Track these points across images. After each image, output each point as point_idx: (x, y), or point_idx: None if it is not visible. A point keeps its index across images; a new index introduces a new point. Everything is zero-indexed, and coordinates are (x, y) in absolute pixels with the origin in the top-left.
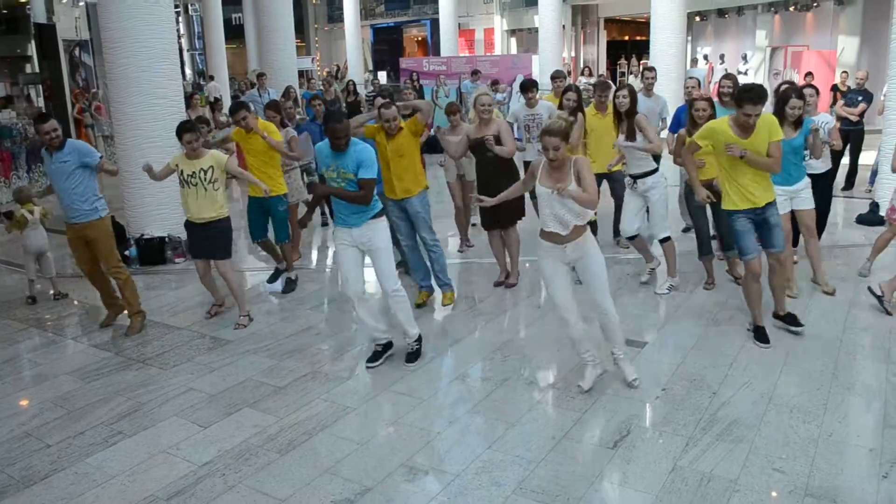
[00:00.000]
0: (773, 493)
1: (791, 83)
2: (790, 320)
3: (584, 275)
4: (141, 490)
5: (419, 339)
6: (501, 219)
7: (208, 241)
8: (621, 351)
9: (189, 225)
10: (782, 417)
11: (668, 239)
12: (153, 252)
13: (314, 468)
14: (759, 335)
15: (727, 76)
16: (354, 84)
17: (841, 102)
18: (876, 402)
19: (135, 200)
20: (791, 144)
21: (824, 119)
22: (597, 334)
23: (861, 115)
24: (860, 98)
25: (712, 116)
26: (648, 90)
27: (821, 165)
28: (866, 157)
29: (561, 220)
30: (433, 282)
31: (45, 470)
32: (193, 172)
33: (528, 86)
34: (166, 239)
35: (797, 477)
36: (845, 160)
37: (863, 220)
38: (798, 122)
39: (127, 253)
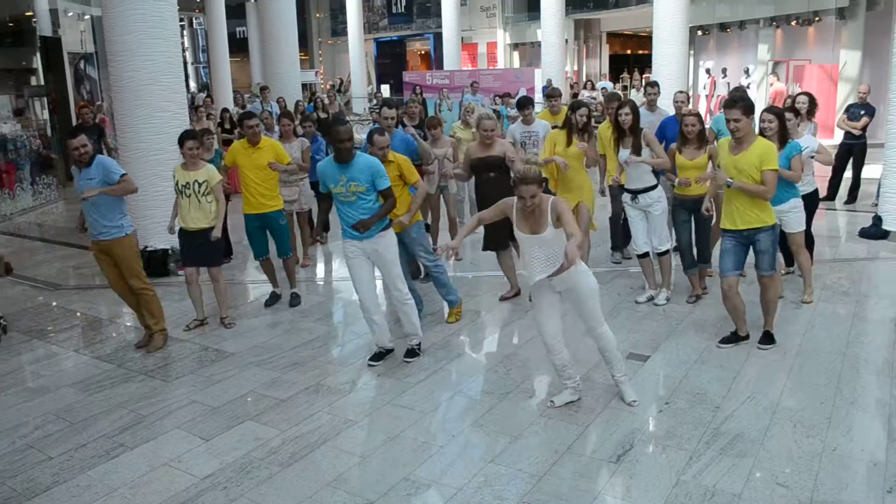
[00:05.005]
0: None
1: (807, 94)
2: (765, 338)
3: (575, 304)
4: (143, 503)
5: (420, 343)
6: (503, 239)
7: (201, 248)
8: (621, 373)
9: (182, 234)
10: (786, 432)
11: (666, 252)
12: (156, 264)
13: (316, 481)
14: (762, 339)
15: (736, 89)
16: (323, 102)
17: (843, 116)
18: (880, 416)
19: (138, 213)
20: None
21: (807, 143)
22: (588, 357)
23: (864, 128)
24: (862, 112)
25: (702, 132)
26: (651, 105)
27: (804, 187)
28: (869, 171)
29: (544, 264)
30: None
31: (46, 482)
32: (188, 183)
33: (525, 102)
34: (169, 251)
35: (801, 492)
36: (848, 174)
37: (866, 233)
38: (781, 143)
39: None
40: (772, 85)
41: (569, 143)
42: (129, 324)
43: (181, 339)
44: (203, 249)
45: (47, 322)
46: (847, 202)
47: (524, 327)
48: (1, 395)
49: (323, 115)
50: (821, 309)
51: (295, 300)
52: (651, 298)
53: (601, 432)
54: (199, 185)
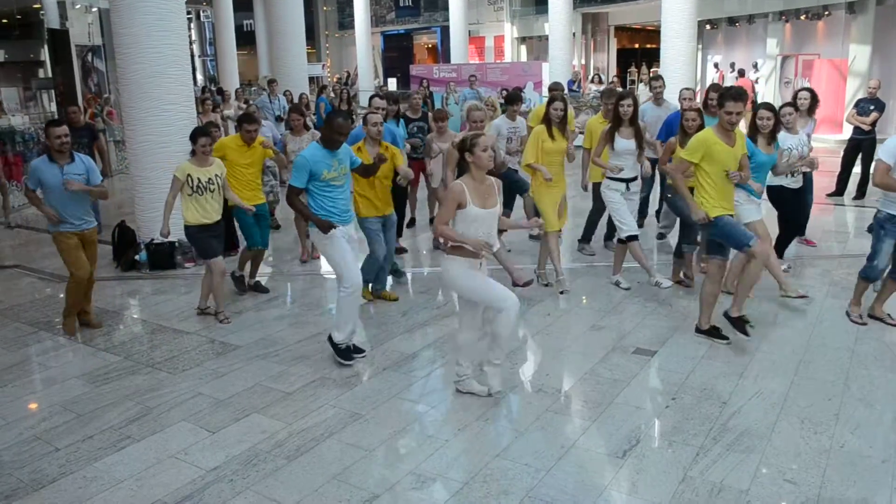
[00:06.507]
0: None
1: (808, 90)
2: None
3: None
4: (149, 495)
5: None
6: None
7: (222, 235)
8: (501, 360)
9: (201, 228)
10: (793, 428)
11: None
12: (163, 257)
13: (322, 475)
14: (719, 334)
15: (713, 87)
16: (349, 94)
17: (853, 111)
18: (888, 412)
19: (145, 205)
20: (773, 158)
21: (800, 141)
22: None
23: (873, 124)
24: (872, 107)
25: (701, 126)
26: (658, 99)
27: (795, 181)
28: None
29: (490, 239)
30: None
31: (53, 473)
32: (210, 178)
33: (514, 98)
34: (176, 244)
35: (809, 488)
36: (857, 169)
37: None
38: (773, 137)
39: (137, 257)
40: (736, 80)
41: (551, 137)
42: (135, 316)
43: (187, 331)
44: (223, 236)
45: (54, 314)
46: (856, 198)
47: (531, 322)
48: (8, 386)
49: (345, 108)
50: (829, 304)
51: (261, 288)
52: (658, 283)
53: (607, 427)
54: (219, 177)
